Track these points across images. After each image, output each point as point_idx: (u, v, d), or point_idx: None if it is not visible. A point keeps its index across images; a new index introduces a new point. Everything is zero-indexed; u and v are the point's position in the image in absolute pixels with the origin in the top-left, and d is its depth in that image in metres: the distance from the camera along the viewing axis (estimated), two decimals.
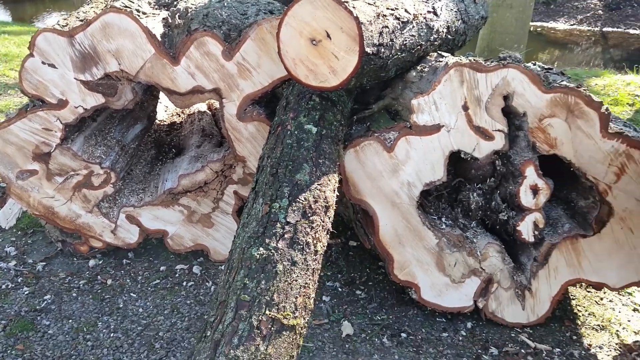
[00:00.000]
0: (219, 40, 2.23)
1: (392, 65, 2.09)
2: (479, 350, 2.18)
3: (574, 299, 2.52)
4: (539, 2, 13.38)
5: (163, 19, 2.44)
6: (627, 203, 2.15)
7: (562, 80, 2.28)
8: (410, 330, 2.28)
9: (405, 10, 2.08)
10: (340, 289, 2.52)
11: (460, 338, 2.25)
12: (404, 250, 2.28)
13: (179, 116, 3.19)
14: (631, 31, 12.18)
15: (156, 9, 2.55)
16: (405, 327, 2.29)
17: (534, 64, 2.74)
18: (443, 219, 2.38)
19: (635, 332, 2.31)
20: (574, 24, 13.98)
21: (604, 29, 12.65)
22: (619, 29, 12.49)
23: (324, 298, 2.44)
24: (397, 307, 2.41)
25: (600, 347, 2.22)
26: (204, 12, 2.31)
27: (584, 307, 2.47)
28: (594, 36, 12.48)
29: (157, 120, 3.11)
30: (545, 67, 2.60)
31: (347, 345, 2.16)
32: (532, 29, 14.09)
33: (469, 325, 2.33)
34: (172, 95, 2.36)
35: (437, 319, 2.36)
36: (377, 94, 2.43)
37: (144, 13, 2.36)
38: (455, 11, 2.47)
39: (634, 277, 2.23)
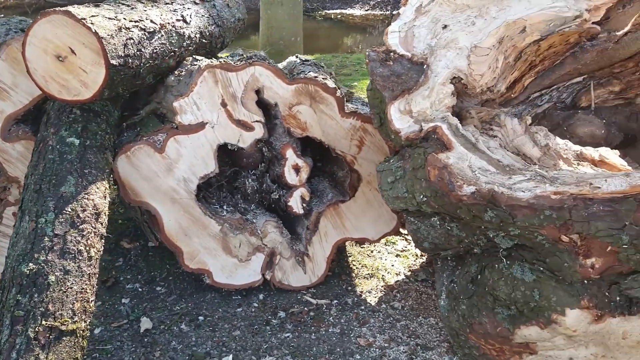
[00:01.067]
0: None
1: (146, 73, 2.23)
2: (269, 317, 2.46)
3: (350, 256, 2.93)
4: None
5: None
6: (370, 169, 2.57)
7: (310, 71, 2.62)
8: (208, 312, 2.48)
9: (151, 21, 2.23)
10: (140, 289, 2.63)
11: (253, 309, 2.51)
12: (190, 241, 2.46)
13: None
14: None
15: None
16: (203, 311, 2.49)
17: (296, 57, 3.08)
18: (224, 207, 2.60)
19: (397, 273, 2.78)
20: (368, 10, 15.29)
21: (394, 12, 13.95)
22: None
23: (123, 300, 2.53)
24: (196, 295, 2.60)
25: (370, 292, 2.64)
26: None
27: (358, 260, 2.89)
28: (387, 19, 13.73)
29: None
30: (303, 59, 2.95)
31: (145, 339, 2.29)
32: (333, 16, 15.13)
33: (261, 297, 2.60)
34: None
35: (233, 297, 2.59)
36: (145, 99, 2.56)
37: None
38: (207, 17, 2.68)
39: (386, 229, 2.68)
